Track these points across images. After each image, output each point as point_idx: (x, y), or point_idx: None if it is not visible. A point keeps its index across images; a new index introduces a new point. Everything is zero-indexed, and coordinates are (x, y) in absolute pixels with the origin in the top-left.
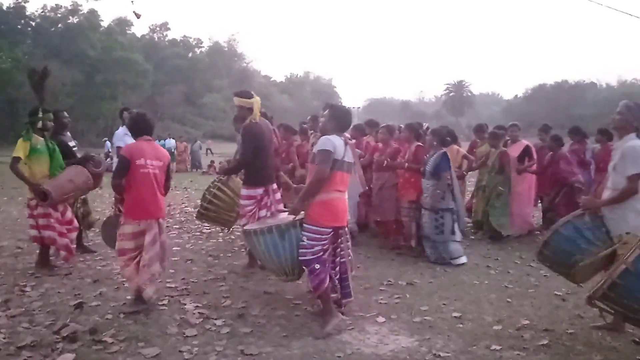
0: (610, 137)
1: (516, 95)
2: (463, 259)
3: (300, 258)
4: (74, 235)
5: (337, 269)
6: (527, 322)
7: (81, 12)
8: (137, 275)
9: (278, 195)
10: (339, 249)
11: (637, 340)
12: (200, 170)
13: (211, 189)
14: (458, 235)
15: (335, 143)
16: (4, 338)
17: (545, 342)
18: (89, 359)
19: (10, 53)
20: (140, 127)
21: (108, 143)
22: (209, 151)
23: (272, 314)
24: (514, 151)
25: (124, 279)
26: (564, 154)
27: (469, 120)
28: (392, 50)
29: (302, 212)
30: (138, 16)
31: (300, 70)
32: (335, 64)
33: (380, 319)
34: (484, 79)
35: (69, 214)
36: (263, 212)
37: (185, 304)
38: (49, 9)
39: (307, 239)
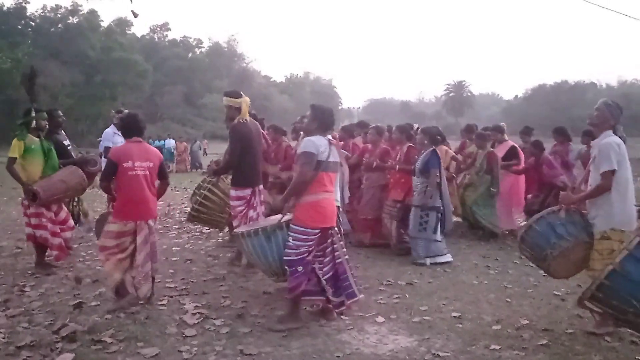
0: (595, 138)
1: (516, 96)
2: (445, 258)
3: (284, 258)
4: (69, 234)
5: (327, 269)
6: (526, 322)
7: (81, 13)
8: (117, 271)
9: (263, 197)
10: (330, 249)
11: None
12: (201, 171)
13: (201, 191)
14: (439, 235)
15: (318, 145)
16: (4, 338)
17: (544, 342)
18: (88, 358)
19: (10, 53)
20: (131, 128)
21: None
22: (204, 151)
23: (271, 314)
24: (500, 152)
25: (104, 275)
26: (547, 158)
27: (469, 121)
28: (392, 50)
29: (290, 214)
30: (136, 15)
31: (300, 71)
32: (335, 65)
33: (380, 319)
34: (484, 79)
35: (63, 213)
36: (251, 213)
37: (184, 304)
38: (48, 9)
39: (293, 240)
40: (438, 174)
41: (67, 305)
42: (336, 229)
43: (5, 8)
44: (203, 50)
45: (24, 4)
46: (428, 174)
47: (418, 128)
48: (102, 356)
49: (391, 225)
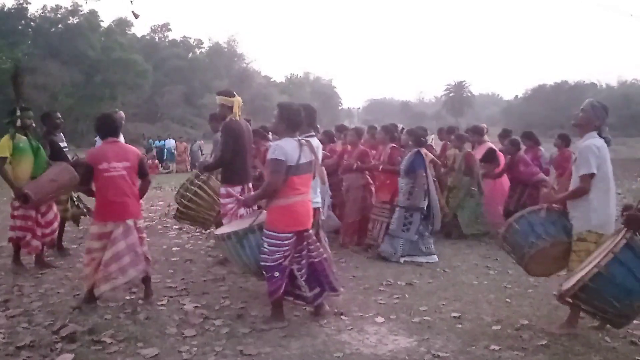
0: (568, 142)
1: (516, 96)
2: (422, 259)
3: (261, 263)
4: (49, 238)
5: (305, 271)
6: (526, 322)
7: (81, 13)
8: (94, 277)
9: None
10: (305, 251)
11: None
12: None
13: (192, 187)
14: (415, 236)
15: (286, 150)
16: (3, 338)
17: (544, 342)
18: (88, 359)
19: (10, 54)
20: (105, 129)
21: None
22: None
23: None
24: (478, 153)
25: (82, 276)
26: (522, 156)
27: (469, 121)
28: (392, 50)
29: (263, 217)
30: (137, 16)
31: (300, 71)
32: (335, 65)
33: (379, 319)
34: (484, 79)
35: (51, 214)
36: (242, 211)
37: (184, 304)
38: (48, 9)
39: (268, 245)
40: (424, 174)
41: (67, 306)
42: (311, 231)
43: (6, 9)
44: (203, 50)
45: (25, 5)
46: (414, 175)
47: (402, 129)
48: (101, 356)
49: (380, 227)
